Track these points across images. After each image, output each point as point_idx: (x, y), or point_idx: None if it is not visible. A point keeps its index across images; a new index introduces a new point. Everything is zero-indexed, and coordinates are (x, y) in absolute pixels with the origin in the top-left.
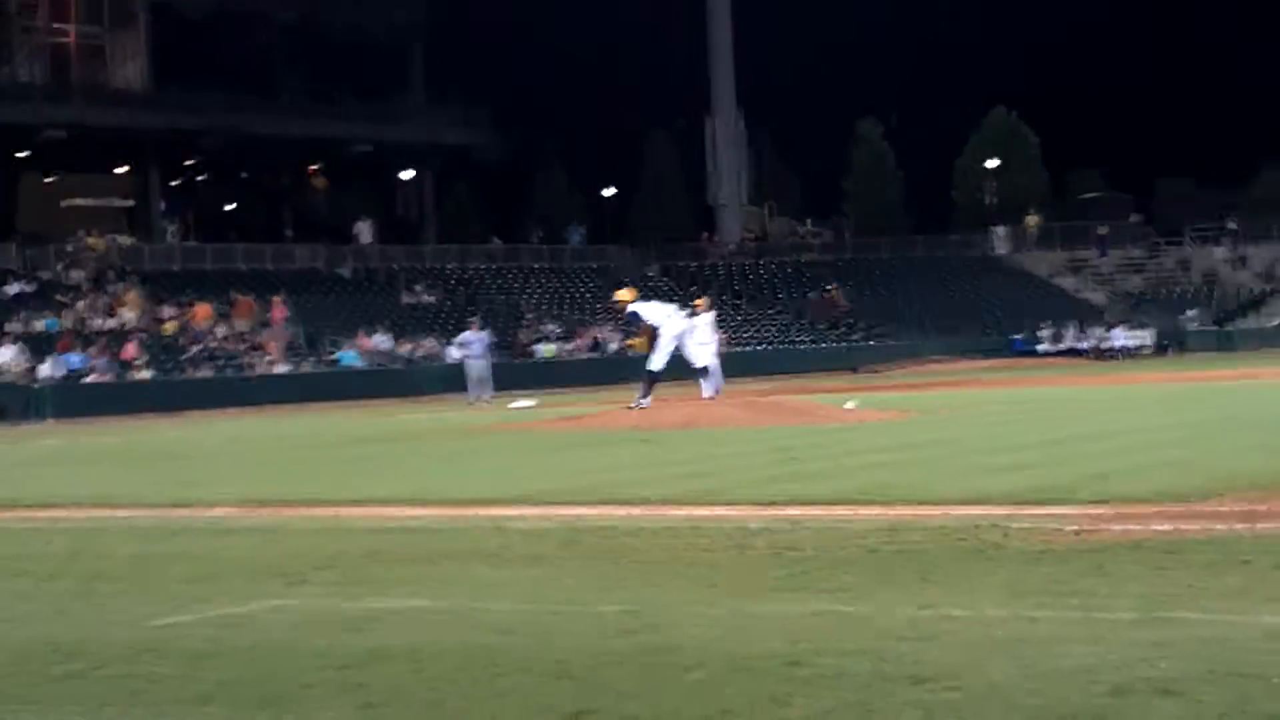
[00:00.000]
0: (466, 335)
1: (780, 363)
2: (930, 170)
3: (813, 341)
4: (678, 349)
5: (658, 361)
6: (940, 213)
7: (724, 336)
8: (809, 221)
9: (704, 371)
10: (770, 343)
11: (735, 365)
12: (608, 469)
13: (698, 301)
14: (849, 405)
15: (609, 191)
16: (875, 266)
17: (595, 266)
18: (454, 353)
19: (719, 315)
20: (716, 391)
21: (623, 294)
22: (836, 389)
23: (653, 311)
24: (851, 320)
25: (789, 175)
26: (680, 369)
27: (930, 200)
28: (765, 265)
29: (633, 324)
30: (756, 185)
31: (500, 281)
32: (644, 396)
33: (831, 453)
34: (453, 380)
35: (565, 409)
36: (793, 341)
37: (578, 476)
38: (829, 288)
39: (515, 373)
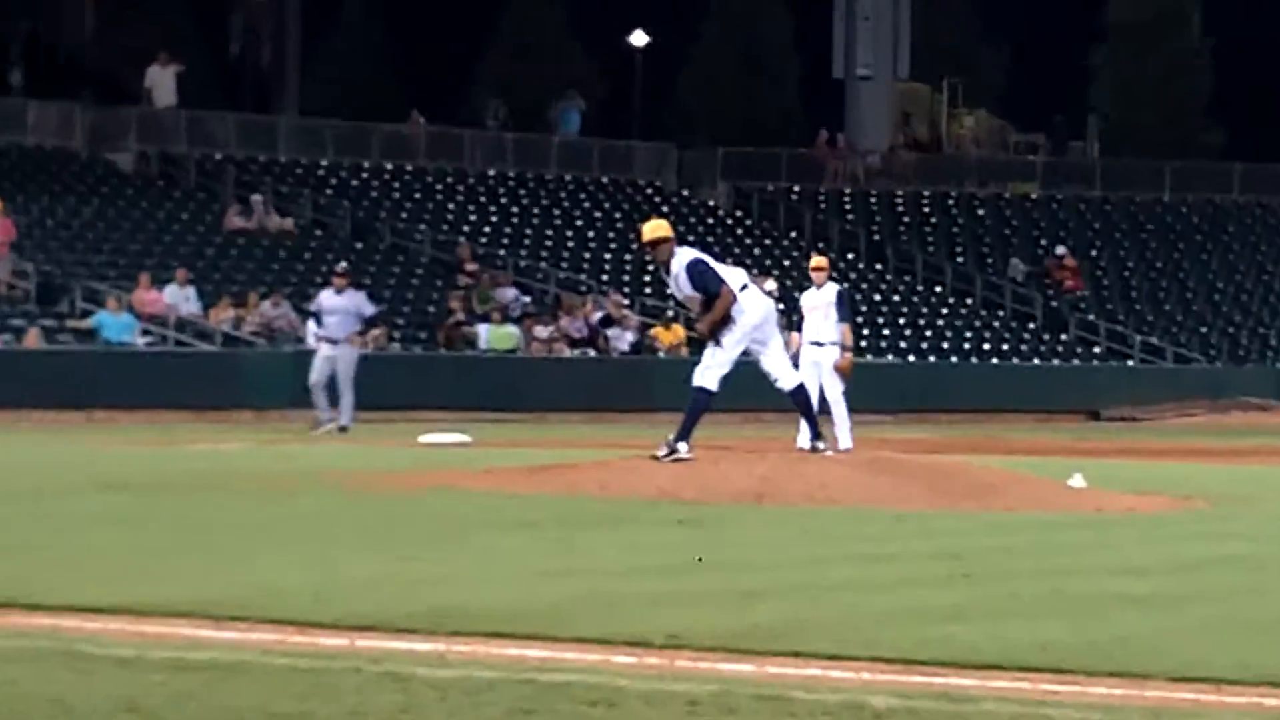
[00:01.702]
0: (324, 299)
1: (955, 390)
2: (1264, 46)
3: (1019, 355)
4: (747, 352)
5: (713, 373)
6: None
7: (849, 334)
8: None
9: (801, 397)
10: (936, 352)
11: (867, 388)
12: (605, 573)
13: (815, 263)
14: (1077, 482)
15: (640, 39)
16: (1146, 217)
17: (605, 181)
18: (314, 330)
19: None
20: (830, 440)
21: (655, 227)
22: (1057, 449)
23: (720, 273)
24: (1093, 319)
25: (987, 39)
26: (751, 389)
27: (1262, 101)
28: (935, 200)
29: (682, 290)
30: (926, 52)
31: (421, 199)
32: (682, 437)
33: (1036, 570)
34: (265, 373)
35: (529, 451)
36: (979, 351)
37: (545, 584)
38: (1058, 254)
39: (435, 376)
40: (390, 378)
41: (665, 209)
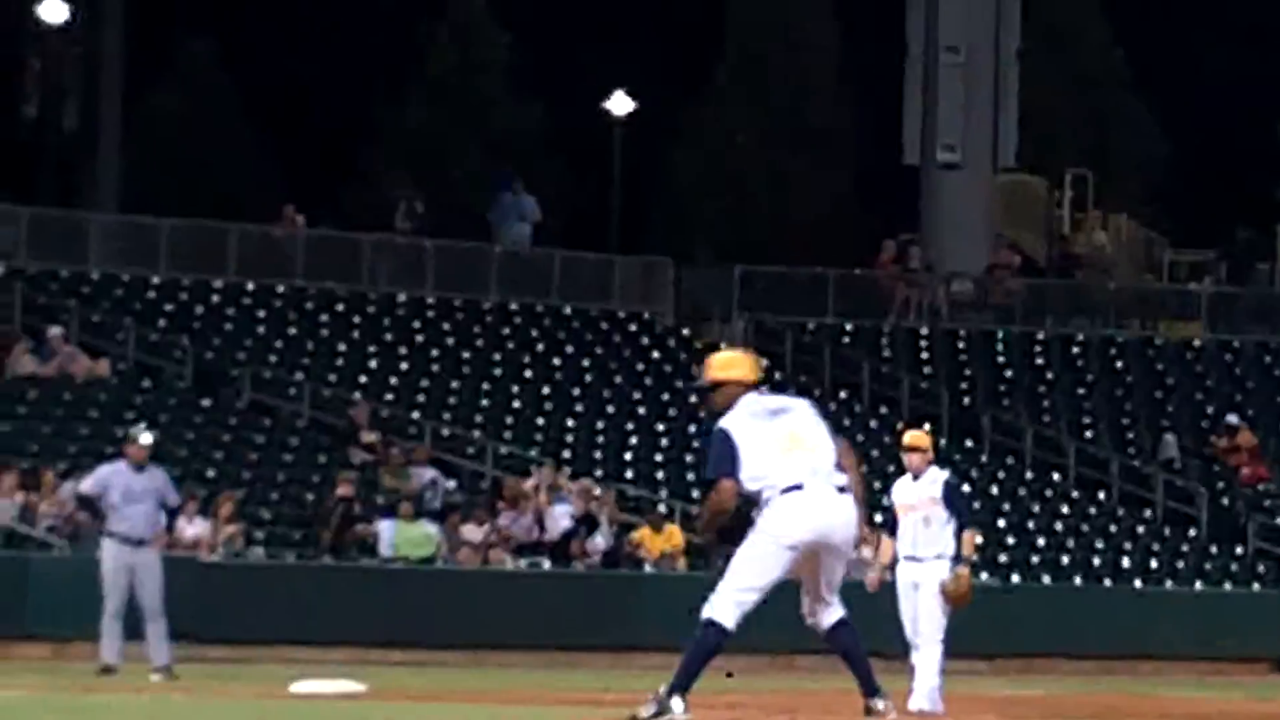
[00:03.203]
0: (114, 477)
1: (1082, 627)
2: None
3: (1175, 575)
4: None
5: (727, 602)
6: None
7: (972, 544)
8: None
9: (844, 639)
10: (1054, 569)
11: (953, 622)
12: None
13: (911, 440)
14: None
15: (622, 105)
16: None
17: (569, 311)
18: (102, 527)
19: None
20: (894, 696)
21: (726, 363)
22: (1226, 715)
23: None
24: (1278, 518)
25: (1133, 115)
26: (777, 616)
27: None
28: (1054, 345)
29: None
30: (1040, 131)
31: (298, 334)
32: (678, 689)
33: None
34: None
35: (451, 708)
36: (1117, 569)
37: None
38: (1229, 426)
39: (314, 596)
40: (249, 597)
41: (656, 353)
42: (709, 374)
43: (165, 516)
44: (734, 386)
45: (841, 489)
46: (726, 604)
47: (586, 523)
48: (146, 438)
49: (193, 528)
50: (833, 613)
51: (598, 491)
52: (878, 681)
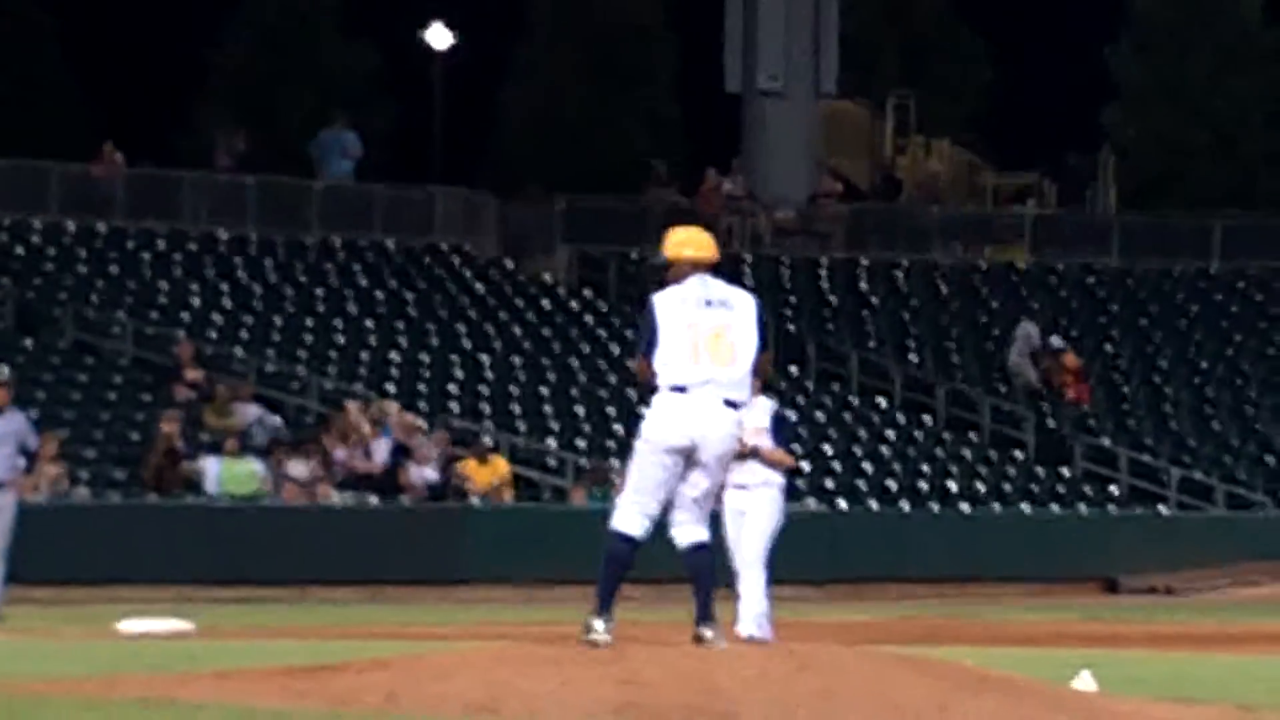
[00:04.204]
0: None
1: (908, 551)
2: None
3: (1001, 498)
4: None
5: (626, 507)
6: None
7: (788, 460)
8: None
9: (698, 560)
10: (880, 494)
11: (781, 548)
12: None
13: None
14: (1085, 683)
15: (441, 38)
16: (1188, 296)
17: (391, 246)
18: None
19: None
20: (724, 622)
21: (680, 241)
22: (1056, 636)
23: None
24: (1109, 444)
25: (954, 38)
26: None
27: None
28: (877, 272)
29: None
30: (862, 57)
31: (120, 273)
32: (597, 610)
33: None
34: None
35: (279, 645)
36: (943, 493)
37: None
38: (1053, 349)
39: (140, 535)
40: (74, 537)
41: (480, 286)
42: (664, 251)
43: (24, 460)
44: (685, 265)
45: (731, 403)
46: (625, 512)
47: (407, 454)
48: (4, 382)
49: None
50: (693, 531)
51: (420, 423)
52: (714, 611)
